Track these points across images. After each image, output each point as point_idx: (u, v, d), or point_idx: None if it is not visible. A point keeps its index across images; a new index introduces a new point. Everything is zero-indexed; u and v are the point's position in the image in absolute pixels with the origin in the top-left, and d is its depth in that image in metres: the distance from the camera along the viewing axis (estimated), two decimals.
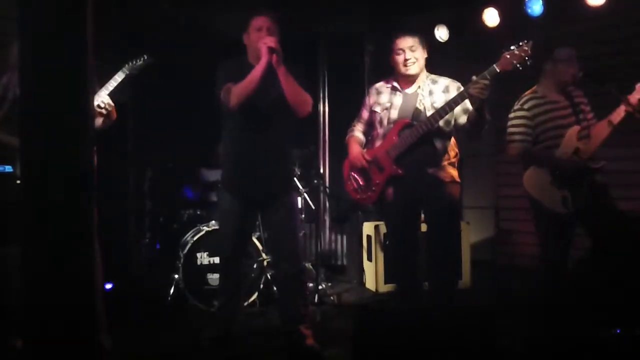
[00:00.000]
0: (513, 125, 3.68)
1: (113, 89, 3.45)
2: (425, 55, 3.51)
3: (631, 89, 3.39)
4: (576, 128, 3.52)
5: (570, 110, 3.60)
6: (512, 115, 3.71)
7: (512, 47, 3.12)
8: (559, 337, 3.23)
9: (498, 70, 3.13)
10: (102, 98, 3.37)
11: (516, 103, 3.71)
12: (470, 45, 5.65)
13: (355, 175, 3.61)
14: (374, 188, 3.51)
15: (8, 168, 3.28)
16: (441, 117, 3.32)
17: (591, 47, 5.12)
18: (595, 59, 4.94)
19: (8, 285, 3.07)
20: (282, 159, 3.47)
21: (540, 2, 5.10)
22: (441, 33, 5.77)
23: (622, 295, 3.44)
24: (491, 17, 5.43)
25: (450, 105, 3.28)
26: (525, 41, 3.12)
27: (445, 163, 3.47)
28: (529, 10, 5.16)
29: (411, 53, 3.42)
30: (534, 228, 3.71)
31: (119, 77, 3.50)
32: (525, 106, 3.64)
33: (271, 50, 3.16)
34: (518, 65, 3.10)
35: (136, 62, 3.59)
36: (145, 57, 3.61)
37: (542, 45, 3.63)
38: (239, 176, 3.44)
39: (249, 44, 3.39)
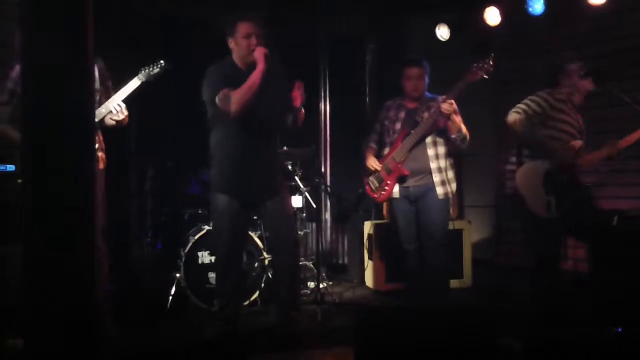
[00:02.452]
0: (531, 100, 3.71)
1: (127, 96, 3.39)
2: (427, 81, 4.10)
3: (632, 89, 3.42)
4: (579, 142, 3.64)
5: (577, 130, 3.73)
6: (536, 95, 3.73)
7: (479, 62, 3.71)
8: (559, 336, 3.22)
9: (468, 81, 3.74)
10: (115, 105, 3.34)
11: (544, 90, 3.75)
12: (471, 45, 5.64)
13: (372, 179, 4.18)
14: (386, 187, 4.08)
15: (10, 167, 3.28)
16: (425, 129, 3.90)
17: (592, 46, 5.11)
18: (597, 58, 4.94)
19: (9, 284, 3.07)
20: (276, 159, 3.81)
21: (542, 1, 5.09)
22: (442, 32, 5.76)
23: (623, 294, 3.44)
24: (492, 16, 5.42)
25: (429, 121, 3.87)
26: (491, 55, 3.70)
27: (449, 173, 3.99)
28: (530, 10, 5.14)
29: (417, 82, 4.04)
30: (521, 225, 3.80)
31: (133, 84, 3.42)
32: (554, 96, 3.70)
33: (267, 58, 3.46)
34: (485, 76, 3.70)
35: (152, 68, 3.47)
36: (162, 64, 3.50)
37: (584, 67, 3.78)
38: (236, 177, 3.58)
39: (236, 48, 3.62)
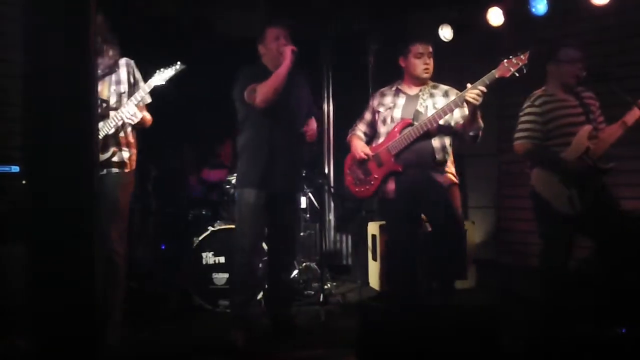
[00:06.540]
0: (522, 122, 3.65)
1: (141, 99, 3.29)
2: None
3: (636, 88, 3.39)
4: (588, 127, 3.49)
5: (580, 110, 3.57)
6: (522, 112, 3.68)
7: (510, 56, 3.34)
8: (561, 337, 3.22)
9: (497, 76, 3.35)
10: (128, 110, 3.24)
11: (527, 100, 3.68)
12: (474, 45, 5.64)
13: (355, 169, 3.74)
14: (372, 182, 3.64)
15: (14, 168, 3.29)
16: (440, 118, 3.48)
17: (595, 46, 5.10)
18: (600, 58, 4.92)
19: (10, 284, 3.08)
20: (300, 155, 3.83)
21: (545, 1, 5.08)
22: (445, 32, 5.75)
23: (626, 295, 3.43)
24: (495, 16, 5.41)
25: (450, 107, 3.45)
26: (524, 50, 3.34)
27: (448, 163, 3.65)
28: (533, 10, 5.13)
29: (429, 59, 3.64)
30: (537, 227, 3.69)
31: (147, 87, 3.30)
32: (537, 103, 3.61)
33: (294, 54, 3.53)
34: (515, 73, 3.32)
35: (165, 70, 3.34)
36: (178, 66, 3.37)
37: (545, 49, 3.69)
38: (265, 170, 3.60)
39: (267, 52, 3.70)
